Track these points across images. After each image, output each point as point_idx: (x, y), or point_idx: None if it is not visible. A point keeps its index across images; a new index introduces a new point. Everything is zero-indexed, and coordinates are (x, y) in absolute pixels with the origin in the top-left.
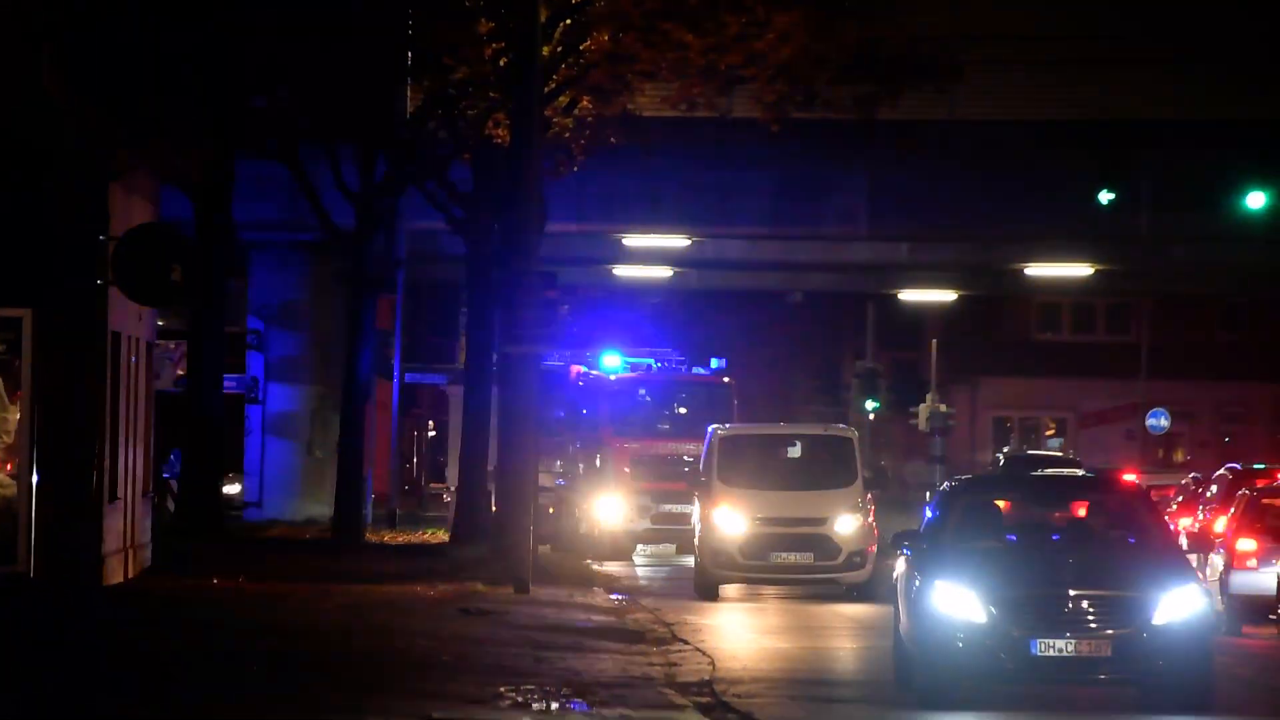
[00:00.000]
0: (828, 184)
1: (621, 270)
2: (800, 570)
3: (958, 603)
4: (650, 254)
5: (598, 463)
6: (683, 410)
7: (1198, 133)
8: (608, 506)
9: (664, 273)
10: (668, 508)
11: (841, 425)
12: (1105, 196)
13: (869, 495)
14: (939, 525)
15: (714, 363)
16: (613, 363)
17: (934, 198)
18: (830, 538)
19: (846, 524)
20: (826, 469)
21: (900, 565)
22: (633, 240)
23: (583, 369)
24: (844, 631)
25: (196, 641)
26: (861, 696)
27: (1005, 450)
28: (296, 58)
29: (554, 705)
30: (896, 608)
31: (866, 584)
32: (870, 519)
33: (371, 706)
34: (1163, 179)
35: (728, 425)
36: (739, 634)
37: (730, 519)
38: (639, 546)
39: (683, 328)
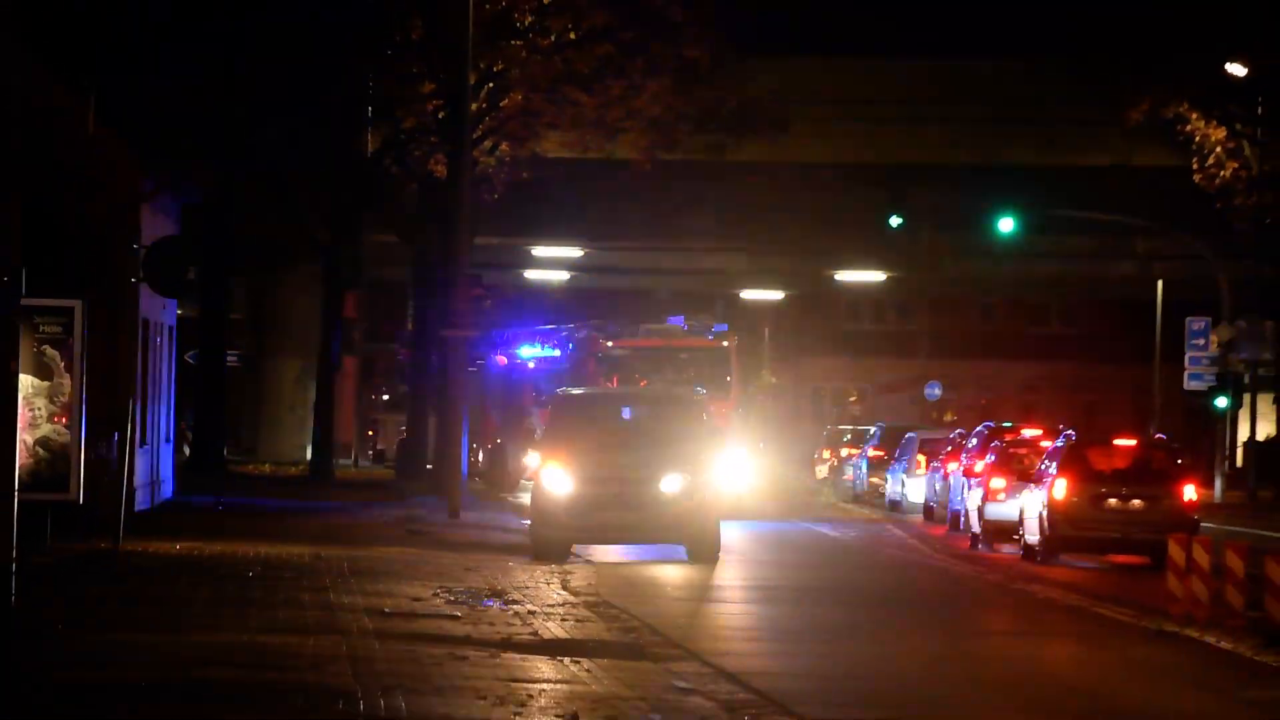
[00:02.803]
0: (688, 208)
1: (530, 273)
2: (626, 530)
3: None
4: (553, 261)
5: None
6: (666, 376)
7: (963, 172)
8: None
9: (563, 275)
10: None
11: (679, 387)
12: (895, 220)
13: (709, 455)
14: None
15: (713, 328)
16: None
17: (768, 220)
18: (658, 497)
19: (675, 483)
20: (666, 428)
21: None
22: (539, 250)
23: (604, 340)
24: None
25: (204, 566)
26: (678, 595)
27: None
28: (285, 114)
29: (477, 602)
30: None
31: (700, 544)
32: (707, 478)
33: (336, 599)
34: (937, 207)
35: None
36: (615, 550)
37: (558, 479)
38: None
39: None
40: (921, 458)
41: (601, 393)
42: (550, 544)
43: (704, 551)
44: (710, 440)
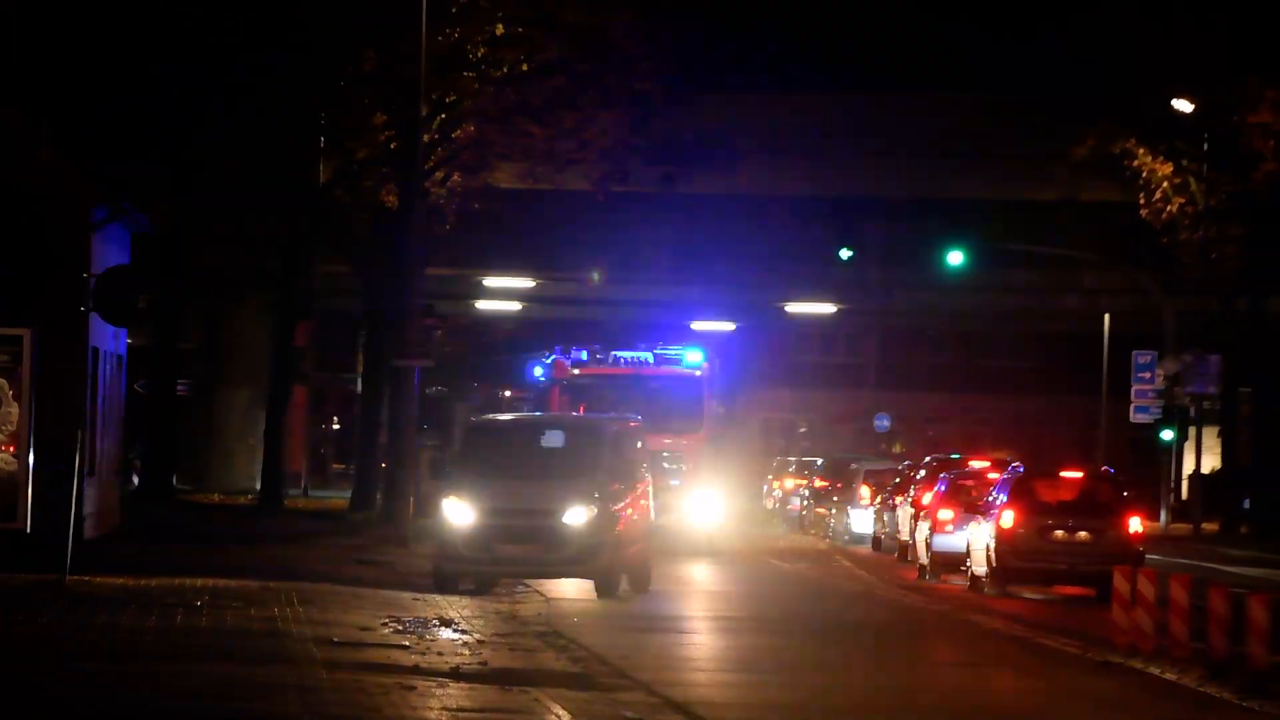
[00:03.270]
0: (640, 241)
1: (482, 304)
2: (525, 562)
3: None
4: (505, 291)
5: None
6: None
7: (912, 206)
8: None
9: (515, 306)
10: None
11: (595, 415)
12: (845, 253)
13: (625, 484)
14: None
15: (686, 356)
16: (579, 356)
17: (719, 251)
18: (557, 529)
19: (579, 515)
20: (574, 458)
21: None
22: (491, 281)
23: (571, 368)
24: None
25: (152, 595)
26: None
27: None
28: (239, 146)
29: (426, 632)
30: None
31: (610, 576)
32: (619, 509)
33: (284, 629)
34: (886, 241)
35: (486, 415)
36: (569, 583)
37: (458, 510)
38: None
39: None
40: (866, 489)
41: (516, 421)
42: (448, 577)
43: (611, 587)
44: (632, 469)
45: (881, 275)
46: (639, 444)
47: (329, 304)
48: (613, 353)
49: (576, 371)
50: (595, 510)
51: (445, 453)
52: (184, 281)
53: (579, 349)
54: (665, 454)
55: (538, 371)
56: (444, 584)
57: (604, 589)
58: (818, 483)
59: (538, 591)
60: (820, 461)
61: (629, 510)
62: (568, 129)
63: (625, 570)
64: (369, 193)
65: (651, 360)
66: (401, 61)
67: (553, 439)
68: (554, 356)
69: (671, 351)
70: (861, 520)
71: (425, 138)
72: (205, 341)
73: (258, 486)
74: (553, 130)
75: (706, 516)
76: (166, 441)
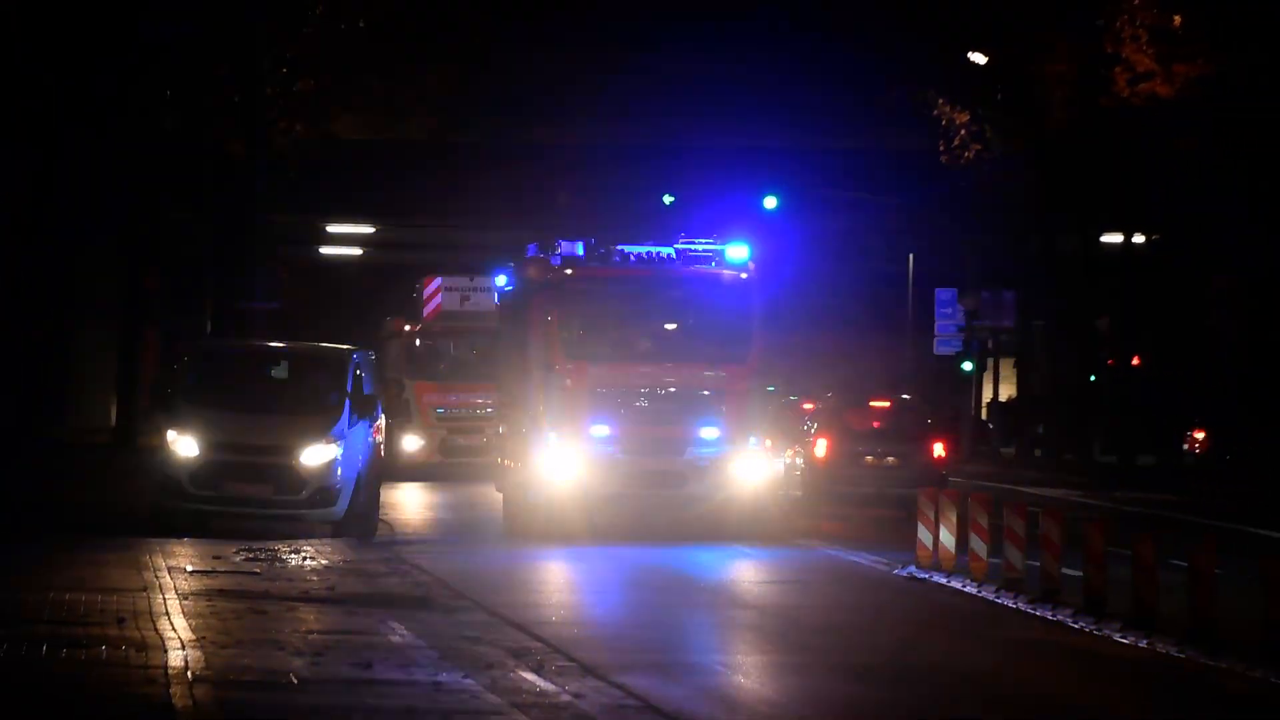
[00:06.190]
0: (477, 189)
1: (325, 250)
2: (257, 504)
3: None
4: (346, 237)
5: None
6: (669, 325)
7: (730, 153)
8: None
9: (356, 251)
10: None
11: (335, 345)
12: (668, 198)
13: (364, 423)
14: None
15: (727, 252)
16: (571, 250)
17: (551, 199)
18: (293, 469)
19: (316, 455)
20: (310, 392)
21: None
22: (333, 227)
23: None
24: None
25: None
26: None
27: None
28: (89, 99)
29: (275, 560)
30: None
31: (349, 519)
32: (360, 449)
33: (141, 559)
34: (707, 186)
35: (209, 340)
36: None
37: (183, 444)
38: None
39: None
40: None
41: (243, 348)
42: (173, 515)
43: (353, 531)
44: (372, 405)
45: (711, 217)
46: (374, 378)
47: (178, 250)
48: (618, 247)
49: (569, 273)
50: (335, 450)
51: (168, 381)
52: (36, 228)
53: (570, 242)
54: (704, 393)
55: (501, 281)
56: (160, 520)
57: (347, 529)
58: None
59: (384, 521)
60: None
61: (368, 452)
62: (405, 81)
63: (357, 516)
64: (214, 141)
65: (675, 256)
66: (244, 16)
67: (284, 369)
68: (530, 255)
69: (703, 246)
70: None
71: (268, 90)
72: (60, 287)
73: (111, 425)
74: (390, 82)
75: (752, 484)
76: (22, 384)
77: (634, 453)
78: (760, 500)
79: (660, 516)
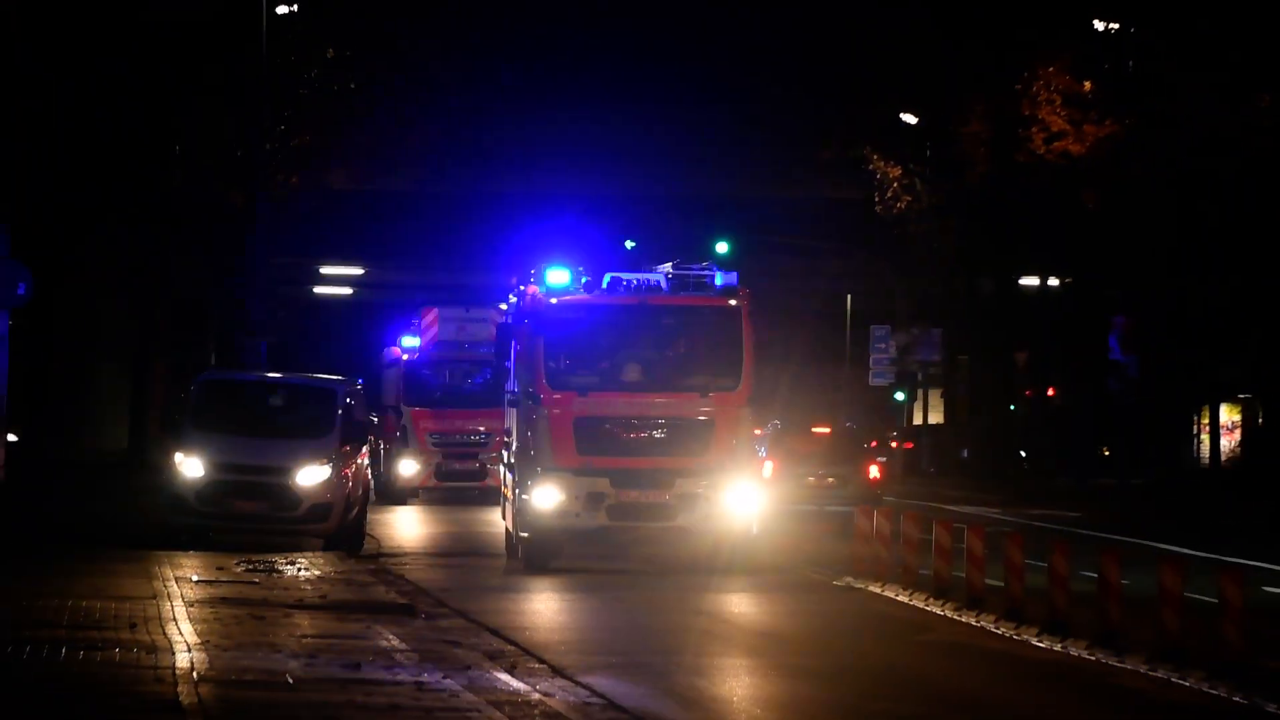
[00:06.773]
0: (452, 235)
1: (319, 289)
2: (257, 520)
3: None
4: (338, 278)
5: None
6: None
7: (683, 202)
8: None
9: (348, 291)
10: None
11: (326, 376)
12: (629, 244)
13: (353, 447)
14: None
15: (720, 279)
16: (559, 278)
17: (524, 242)
18: (289, 488)
19: (310, 475)
20: (305, 419)
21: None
22: (326, 269)
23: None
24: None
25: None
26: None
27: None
28: (101, 157)
29: (273, 571)
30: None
31: (339, 535)
32: (349, 471)
33: (149, 569)
34: (662, 234)
35: (215, 371)
36: (409, 526)
37: (190, 465)
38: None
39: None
40: None
41: (246, 379)
42: (180, 530)
43: (341, 545)
44: (361, 432)
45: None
46: (363, 407)
47: (185, 291)
48: (607, 274)
49: (554, 302)
50: (328, 471)
51: (177, 408)
52: (60, 272)
53: (559, 270)
54: (696, 420)
55: (503, 307)
56: (170, 536)
57: (339, 543)
58: None
59: (371, 536)
60: None
61: (356, 473)
62: (391, 136)
63: (347, 532)
64: (218, 193)
65: (664, 284)
66: (246, 80)
67: (280, 398)
68: (520, 283)
69: (694, 273)
70: None
71: (267, 145)
72: (77, 323)
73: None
74: (377, 138)
75: (743, 517)
76: (45, 410)
77: (622, 484)
78: (752, 533)
79: (646, 548)
